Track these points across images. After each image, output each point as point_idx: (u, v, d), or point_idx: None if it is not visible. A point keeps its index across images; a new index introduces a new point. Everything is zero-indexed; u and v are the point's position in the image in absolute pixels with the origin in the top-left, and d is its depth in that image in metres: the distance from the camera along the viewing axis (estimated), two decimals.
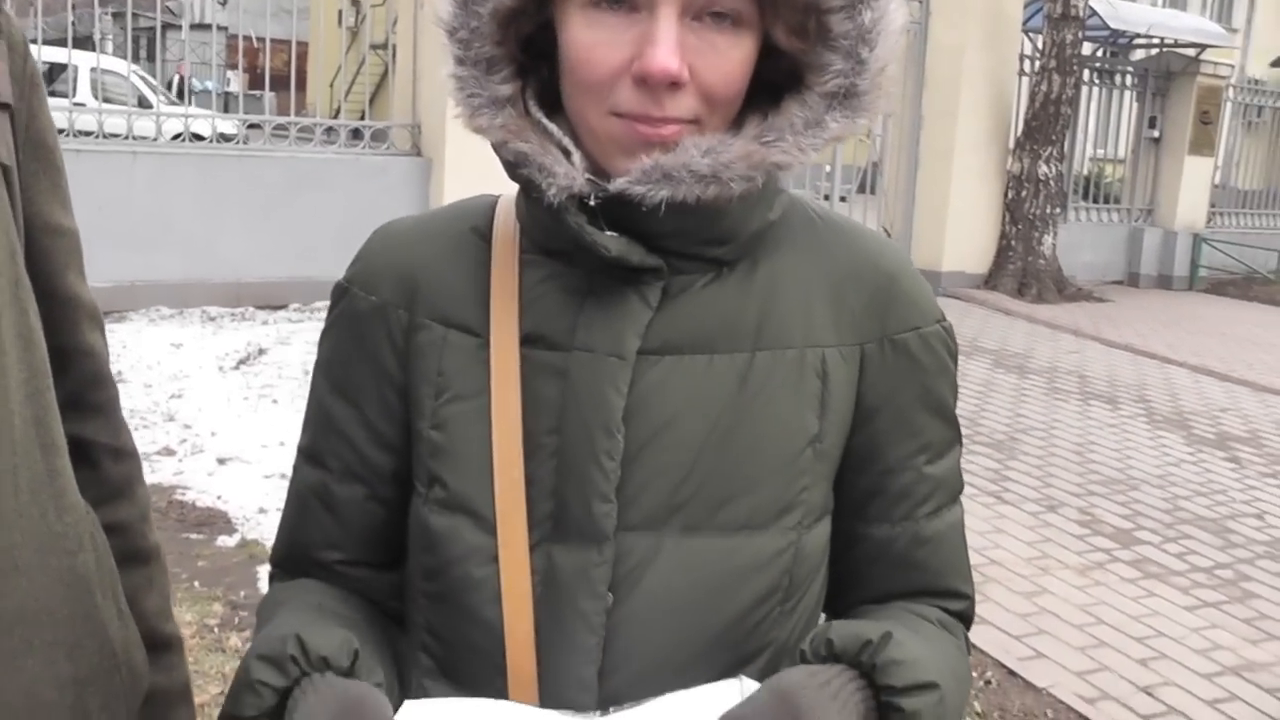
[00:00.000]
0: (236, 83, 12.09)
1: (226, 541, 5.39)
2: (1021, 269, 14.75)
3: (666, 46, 1.08)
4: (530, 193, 1.18)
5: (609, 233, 1.16)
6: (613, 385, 1.17)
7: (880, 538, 1.28)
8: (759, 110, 1.18)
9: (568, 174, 1.14)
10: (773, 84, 1.18)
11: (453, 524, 1.20)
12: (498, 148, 1.18)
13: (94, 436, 1.46)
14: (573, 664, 1.16)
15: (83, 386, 1.45)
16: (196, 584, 4.85)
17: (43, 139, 1.38)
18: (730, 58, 1.12)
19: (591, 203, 1.15)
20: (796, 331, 1.22)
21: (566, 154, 1.16)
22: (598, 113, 1.14)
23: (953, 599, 1.31)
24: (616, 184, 1.13)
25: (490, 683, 1.18)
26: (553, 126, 1.18)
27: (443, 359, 1.24)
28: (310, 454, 1.34)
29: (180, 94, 13.51)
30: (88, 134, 9.82)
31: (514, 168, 1.18)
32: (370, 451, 1.28)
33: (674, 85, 1.10)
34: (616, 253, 1.15)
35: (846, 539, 1.28)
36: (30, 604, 1.24)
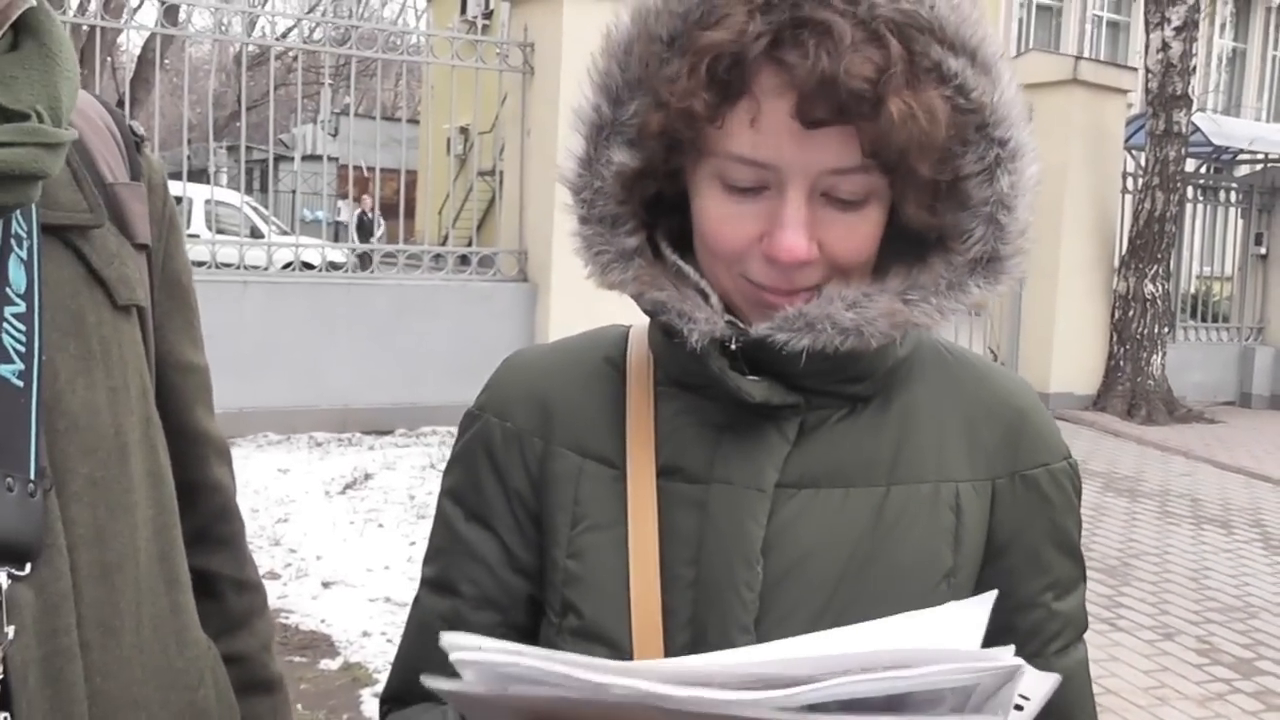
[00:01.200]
0: (347, 212, 12.36)
1: (329, 665, 5.43)
2: (1130, 390, 14.56)
3: (794, 230, 1.10)
4: (671, 335, 1.20)
5: (751, 377, 1.18)
6: (752, 517, 1.18)
7: None
8: (904, 263, 1.19)
9: (709, 319, 1.17)
10: (918, 233, 1.20)
11: (589, 653, 1.19)
12: (636, 298, 1.21)
13: (219, 569, 1.50)
14: None
15: (210, 520, 1.50)
16: (300, 707, 4.87)
17: (178, 278, 1.43)
18: (859, 233, 1.14)
19: (733, 347, 1.18)
20: (930, 466, 1.23)
21: (705, 296, 1.19)
22: (729, 275, 1.17)
23: None
24: (758, 330, 1.16)
25: None
26: (690, 270, 1.21)
27: (579, 488, 1.25)
28: (439, 583, 1.34)
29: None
30: (201, 264, 10.05)
31: (653, 314, 1.21)
32: (507, 576, 1.29)
33: (806, 264, 1.12)
34: (760, 398, 1.18)
35: None
36: (144, 694, 1.26)
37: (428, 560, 1.36)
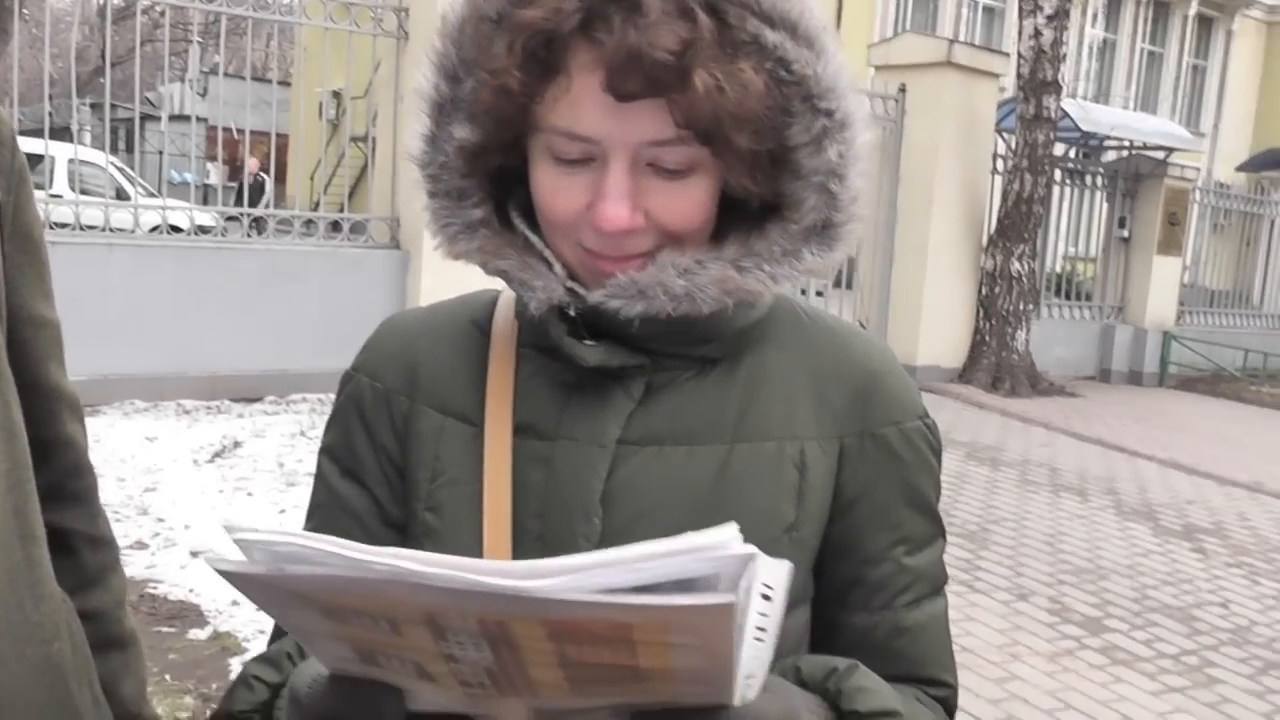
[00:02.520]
0: (215, 175, 12.12)
1: (198, 634, 5.35)
2: (995, 364, 14.86)
3: (615, 201, 1.13)
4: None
5: (588, 342, 1.21)
6: (592, 472, 1.21)
7: (859, 626, 1.29)
8: (742, 231, 1.22)
9: (547, 287, 1.20)
10: (762, 205, 1.23)
11: None
12: (482, 268, 1.25)
13: (72, 525, 1.49)
14: None
15: (63, 476, 1.48)
16: (168, 677, 4.81)
17: (28, 232, 1.42)
18: (685, 199, 1.16)
19: (571, 313, 1.21)
20: (776, 424, 1.26)
21: (549, 264, 1.22)
22: (568, 244, 1.21)
23: (933, 686, 1.31)
24: (593, 297, 1.19)
25: None
26: (535, 240, 1.24)
27: (439, 444, 1.29)
28: None
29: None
30: (64, 225, 9.81)
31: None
32: (378, 529, 1.31)
33: (630, 231, 1.15)
34: (595, 362, 1.21)
35: (828, 626, 1.30)
36: (5, 694, 1.25)
37: (308, 515, 1.38)
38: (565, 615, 0.82)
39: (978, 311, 15.09)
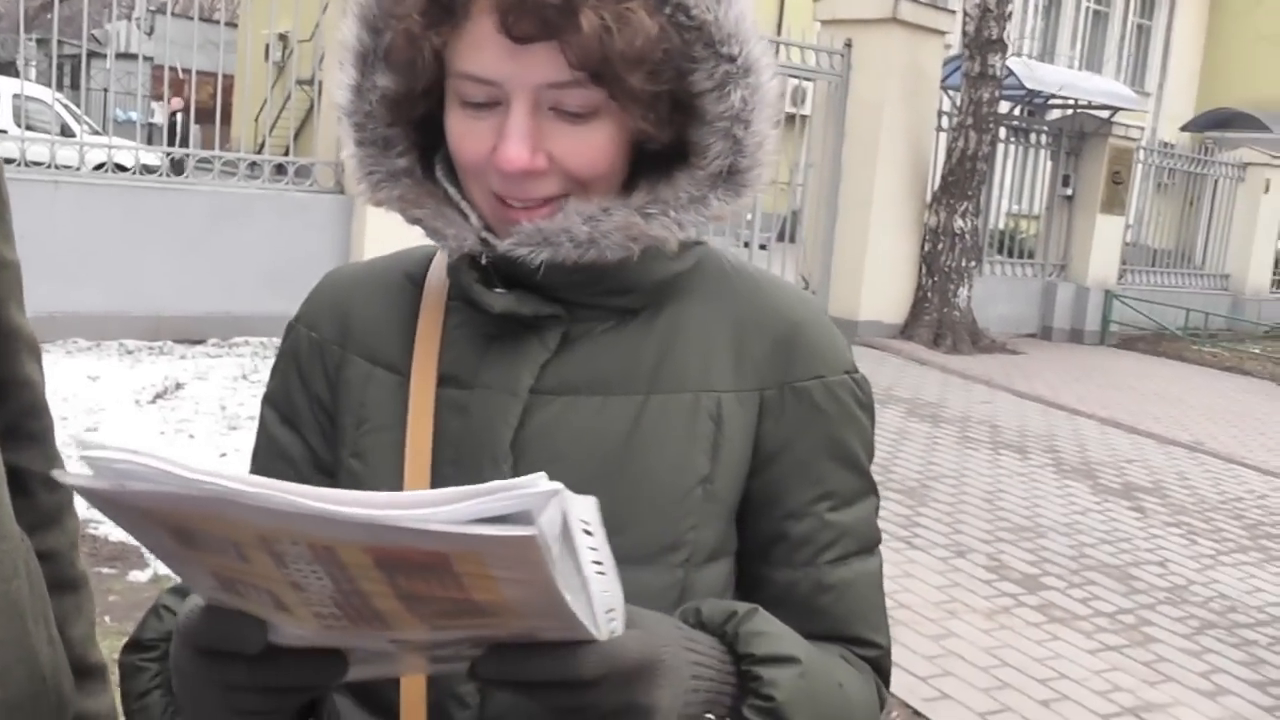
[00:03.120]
0: (161, 114, 11.99)
1: (139, 576, 5.35)
2: (937, 320, 14.96)
3: (514, 141, 1.14)
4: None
5: (497, 290, 1.23)
6: (503, 420, 1.23)
7: (782, 581, 1.29)
8: (651, 179, 1.23)
9: (458, 235, 1.23)
10: (672, 153, 1.24)
11: None
12: (401, 215, 1.27)
13: (29, 465, 1.49)
14: (454, 681, 1.20)
15: (20, 416, 1.49)
16: (108, 619, 4.78)
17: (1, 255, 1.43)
18: (589, 143, 1.17)
19: (483, 262, 1.23)
20: (692, 376, 1.26)
21: (465, 215, 1.24)
22: (479, 190, 1.22)
23: (862, 646, 1.31)
24: (501, 246, 1.20)
25: (388, 689, 1.23)
26: (453, 191, 1.26)
27: (366, 393, 1.31)
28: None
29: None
30: (10, 161, 9.67)
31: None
32: (312, 475, 1.33)
33: (530, 173, 1.17)
34: (501, 308, 1.22)
35: (753, 582, 1.30)
36: None
37: (251, 460, 1.40)
38: (379, 541, 0.83)
39: (920, 268, 15.17)
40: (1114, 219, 18.04)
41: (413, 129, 1.26)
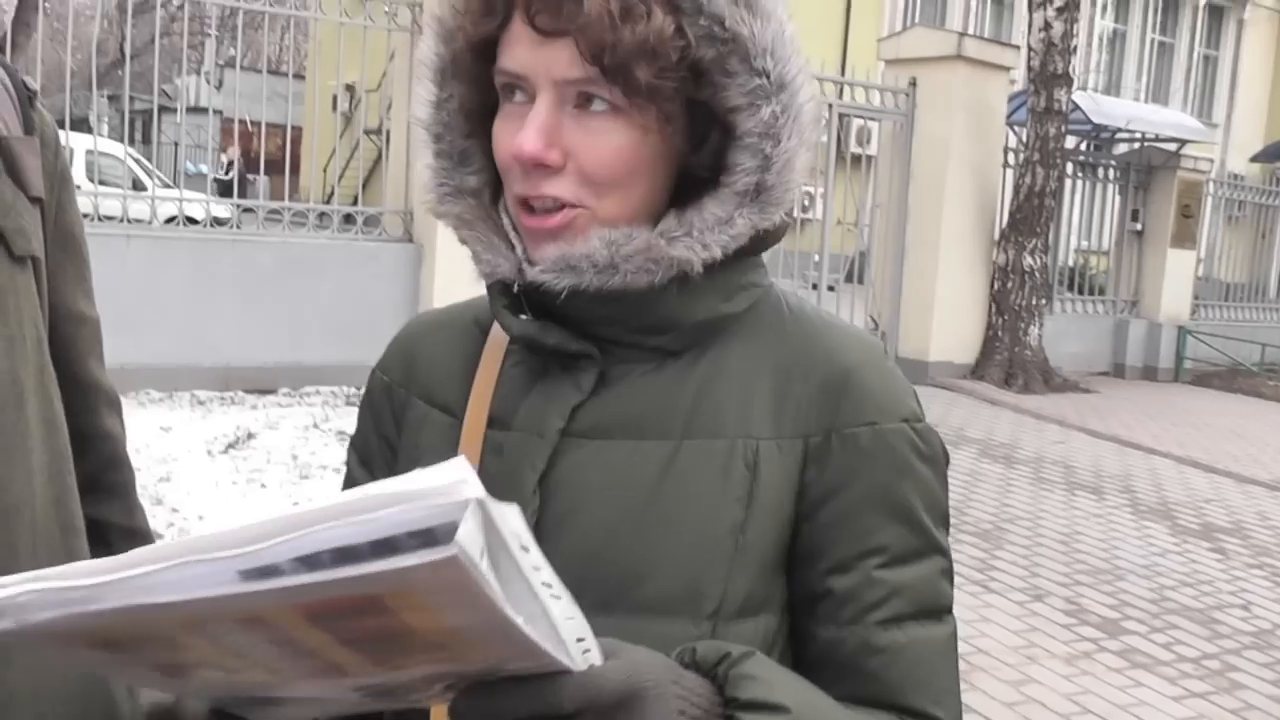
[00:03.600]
0: (235, 166, 12.18)
1: None
2: (1008, 359, 14.82)
3: (532, 129, 1.15)
4: None
5: (522, 317, 1.23)
6: (529, 462, 1.22)
7: (827, 639, 1.22)
8: (683, 205, 1.22)
9: (493, 260, 1.24)
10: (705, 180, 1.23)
11: None
12: (455, 232, 1.28)
13: (109, 518, 1.52)
14: None
15: (101, 469, 1.51)
16: None
17: (70, 230, 1.49)
18: (607, 141, 1.17)
19: (515, 290, 1.23)
20: (729, 421, 1.22)
21: (512, 246, 1.24)
22: (511, 196, 1.22)
23: (915, 717, 1.21)
24: (531, 273, 1.20)
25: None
26: (504, 218, 1.26)
27: (420, 434, 1.33)
28: None
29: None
30: (84, 216, 9.83)
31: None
32: None
33: (546, 167, 1.17)
34: (518, 333, 1.23)
35: (801, 638, 1.25)
36: (44, 683, 1.27)
37: None
38: (297, 600, 0.76)
39: (990, 307, 15.05)
40: (1185, 253, 17.83)
41: (488, 144, 1.26)
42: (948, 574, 1.26)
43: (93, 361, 1.51)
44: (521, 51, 1.16)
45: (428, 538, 0.72)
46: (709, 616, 1.18)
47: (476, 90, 1.24)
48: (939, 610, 1.24)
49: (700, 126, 1.20)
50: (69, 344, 1.46)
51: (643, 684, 0.95)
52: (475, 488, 0.75)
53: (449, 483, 0.75)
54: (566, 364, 1.24)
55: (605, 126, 1.17)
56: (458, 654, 0.84)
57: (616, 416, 1.23)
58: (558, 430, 1.23)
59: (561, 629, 0.85)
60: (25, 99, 1.39)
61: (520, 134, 1.16)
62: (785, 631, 1.24)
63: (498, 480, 1.22)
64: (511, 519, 0.79)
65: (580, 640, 0.89)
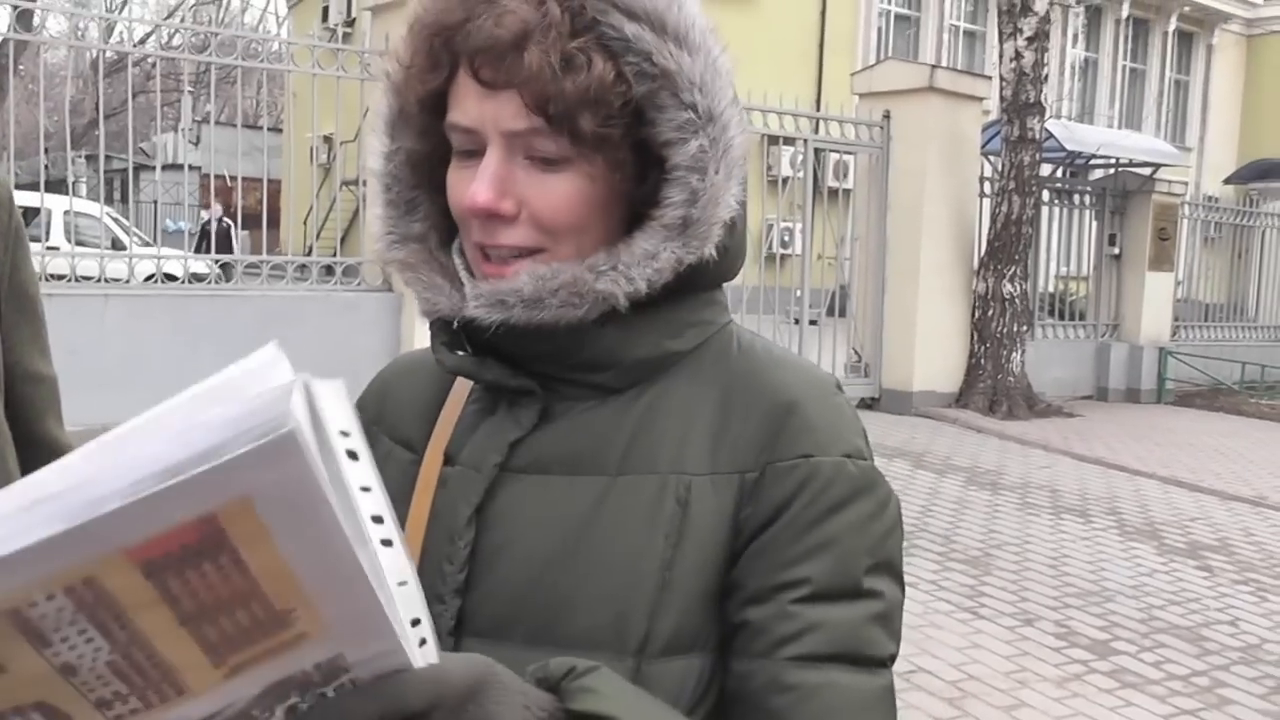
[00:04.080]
0: (212, 222, 12.18)
1: None
2: (991, 387, 14.86)
3: (482, 182, 1.17)
4: None
5: (458, 353, 1.26)
6: (464, 496, 1.24)
7: (738, 672, 1.17)
8: (613, 241, 1.22)
9: (432, 299, 1.26)
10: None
11: None
12: (401, 276, 1.30)
13: None
14: None
15: None
16: None
17: (24, 289, 1.47)
18: (557, 192, 1.18)
19: (455, 326, 1.24)
20: (664, 458, 1.21)
21: (458, 285, 1.26)
22: (469, 244, 1.25)
23: None
24: (466, 309, 1.22)
25: None
26: (454, 260, 1.28)
27: (385, 469, 1.31)
28: None
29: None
30: (60, 277, 9.87)
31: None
32: None
33: (499, 217, 1.18)
34: (451, 366, 1.26)
35: (724, 676, 1.19)
36: None
37: None
38: (134, 533, 0.70)
39: (971, 335, 15.09)
40: (1163, 275, 17.91)
41: (438, 197, 1.28)
42: (884, 622, 1.19)
43: (50, 420, 1.50)
44: (469, 104, 1.18)
45: (257, 432, 0.69)
46: (634, 653, 1.16)
47: (424, 141, 1.26)
48: (867, 659, 1.17)
49: (640, 163, 1.20)
50: (26, 403, 1.45)
51: (489, 675, 0.93)
52: (287, 373, 0.74)
53: (261, 368, 0.74)
54: (513, 401, 1.26)
55: (555, 175, 1.18)
56: (304, 642, 0.81)
57: (555, 452, 1.23)
58: (495, 465, 1.24)
59: (394, 595, 0.82)
60: None
61: (473, 186, 1.17)
62: (723, 672, 1.20)
63: (440, 513, 1.25)
64: (330, 398, 0.77)
65: (416, 624, 0.85)
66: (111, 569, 0.71)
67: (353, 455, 0.78)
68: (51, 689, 0.77)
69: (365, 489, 0.78)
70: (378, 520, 0.80)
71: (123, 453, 0.71)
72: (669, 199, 1.19)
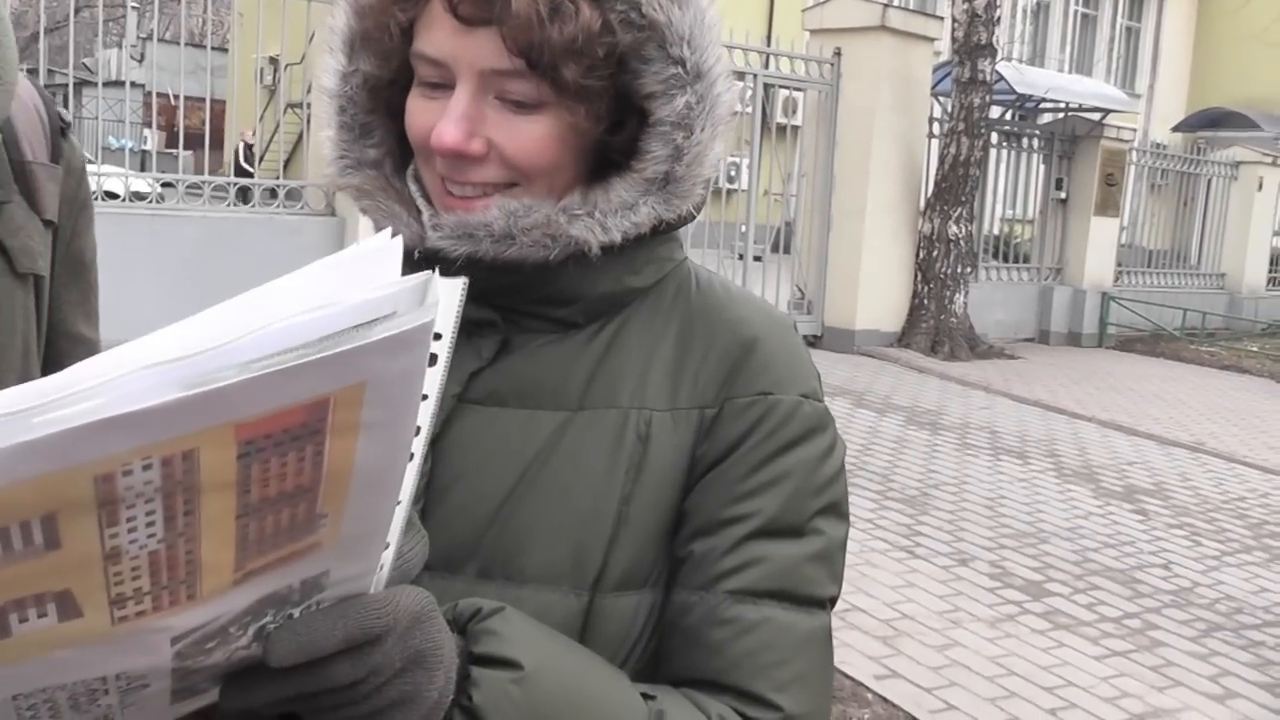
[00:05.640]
0: (152, 141, 12.00)
1: None
2: (934, 327, 14.93)
3: (450, 121, 1.14)
4: None
5: None
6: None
7: (678, 604, 1.18)
8: (590, 184, 1.21)
9: (393, 229, 1.20)
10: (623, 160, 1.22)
11: None
12: (356, 203, 1.28)
13: None
14: None
15: None
16: None
17: (81, 256, 1.56)
18: (528, 133, 1.15)
19: (415, 256, 1.19)
20: (625, 393, 1.21)
21: (416, 213, 1.23)
22: (429, 174, 1.22)
23: (754, 705, 1.14)
24: (429, 239, 1.19)
25: None
26: (410, 187, 1.26)
27: None
28: None
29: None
30: None
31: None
32: None
33: (466, 156, 1.16)
34: None
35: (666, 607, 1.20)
36: None
37: None
38: (254, 407, 0.70)
39: (915, 275, 15.14)
40: (1108, 221, 18.03)
41: (393, 122, 1.26)
42: (826, 563, 1.21)
43: None
44: (441, 37, 1.14)
45: (398, 319, 0.72)
46: (589, 587, 1.16)
47: (385, 66, 1.23)
48: (806, 599, 1.18)
49: (619, 110, 1.18)
50: (62, 360, 1.47)
51: (431, 605, 0.96)
52: (398, 261, 0.77)
53: (377, 253, 0.77)
54: (472, 332, 1.21)
55: (528, 118, 1.16)
56: (315, 550, 0.84)
57: (514, 385, 1.22)
58: (453, 396, 1.21)
59: (397, 521, 0.88)
60: (58, 130, 1.49)
61: (441, 124, 1.14)
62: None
63: None
64: (444, 300, 0.81)
65: (387, 546, 0.91)
66: (214, 443, 0.71)
67: (433, 359, 0.82)
68: (85, 576, 0.74)
69: (424, 396, 0.82)
70: (416, 431, 0.83)
71: (252, 323, 0.70)
72: (651, 152, 1.19)
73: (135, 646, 0.82)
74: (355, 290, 0.73)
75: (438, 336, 0.83)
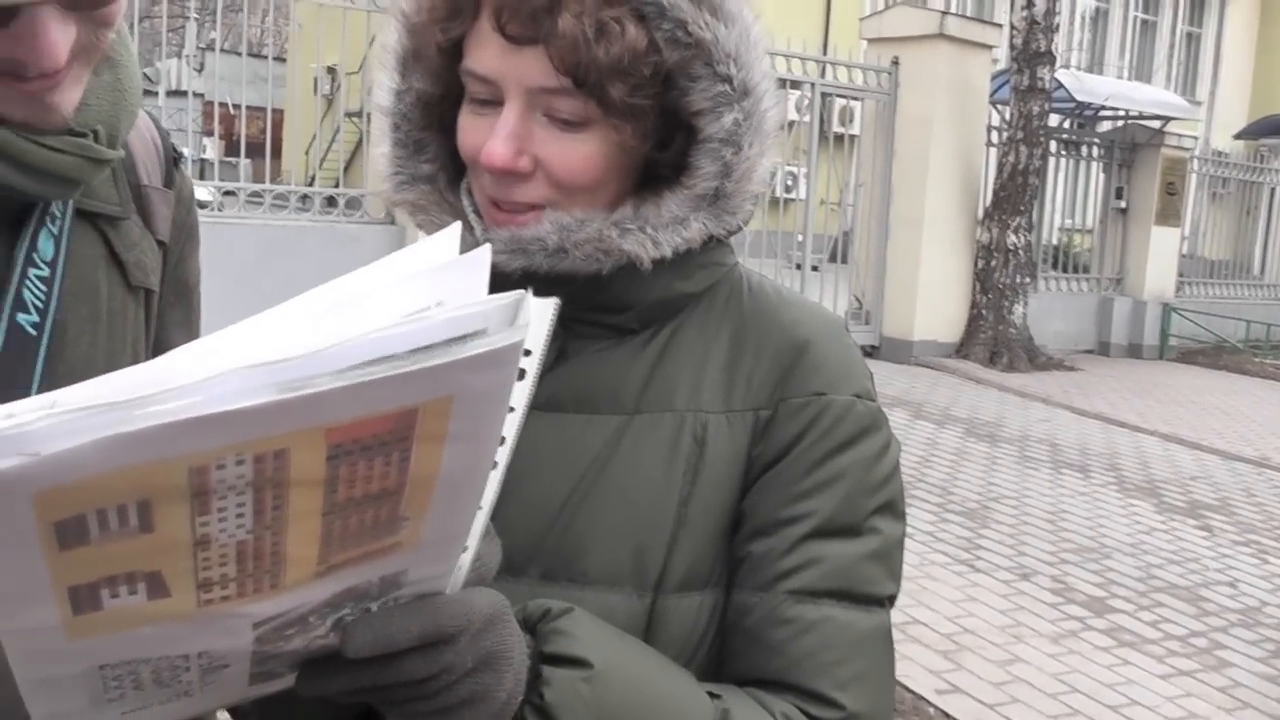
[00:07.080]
0: (212, 150, 12.11)
1: None
2: (992, 338, 14.82)
3: (499, 139, 1.17)
4: None
5: None
6: None
7: (738, 604, 1.20)
8: (642, 196, 1.23)
9: None
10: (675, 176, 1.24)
11: None
12: (412, 218, 1.31)
13: None
14: None
15: None
16: None
17: (186, 281, 1.66)
18: (576, 152, 1.18)
19: None
20: (680, 396, 1.24)
21: (472, 228, 1.25)
22: (479, 191, 1.24)
23: (816, 704, 1.16)
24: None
25: None
26: (466, 203, 1.28)
27: None
28: None
29: None
30: None
31: None
32: None
33: (514, 174, 1.18)
34: None
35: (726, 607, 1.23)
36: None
37: None
38: (346, 412, 0.72)
39: (974, 285, 15.04)
40: (1169, 230, 17.84)
41: (446, 138, 1.28)
42: (884, 561, 1.23)
43: None
44: (490, 56, 1.16)
45: (490, 338, 0.75)
46: (651, 588, 1.18)
47: (437, 84, 1.26)
48: (865, 597, 1.21)
49: (666, 126, 1.20)
50: None
51: (504, 608, 0.99)
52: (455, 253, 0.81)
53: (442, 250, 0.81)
54: None
55: (575, 136, 1.17)
56: (397, 550, 0.87)
57: (572, 391, 1.25)
58: None
59: (484, 511, 0.92)
60: (171, 159, 1.57)
61: (490, 142, 1.17)
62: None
63: None
64: (535, 318, 0.83)
65: (465, 549, 0.94)
66: (305, 444, 0.74)
67: (521, 374, 0.85)
68: (175, 559, 0.78)
69: (511, 409, 0.85)
70: (500, 441, 0.87)
71: (346, 330, 0.73)
72: (700, 169, 1.21)
73: (218, 629, 0.87)
74: (447, 302, 0.77)
75: (527, 353, 0.86)
